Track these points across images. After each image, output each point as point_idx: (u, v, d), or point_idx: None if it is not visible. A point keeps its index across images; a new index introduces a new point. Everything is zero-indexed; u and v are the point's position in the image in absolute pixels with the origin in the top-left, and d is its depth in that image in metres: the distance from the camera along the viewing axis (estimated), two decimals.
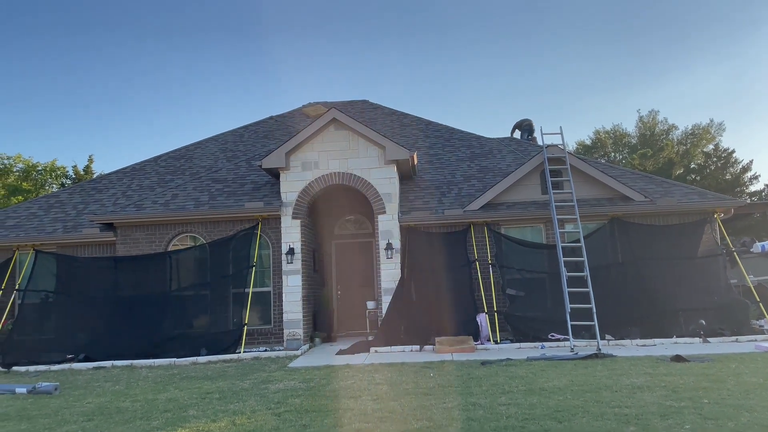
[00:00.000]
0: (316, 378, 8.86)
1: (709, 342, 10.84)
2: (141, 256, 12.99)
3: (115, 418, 6.86)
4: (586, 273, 11.66)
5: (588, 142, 44.03)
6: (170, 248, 13.30)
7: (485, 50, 71.71)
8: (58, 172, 35.32)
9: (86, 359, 11.70)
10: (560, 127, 13.68)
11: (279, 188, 13.32)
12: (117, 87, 66.80)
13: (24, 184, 33.56)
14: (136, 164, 16.67)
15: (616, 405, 6.27)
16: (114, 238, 13.34)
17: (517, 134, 18.77)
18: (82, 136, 63.44)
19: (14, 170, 34.90)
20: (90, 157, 43.88)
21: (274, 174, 13.64)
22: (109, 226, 13.45)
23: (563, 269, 11.70)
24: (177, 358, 11.47)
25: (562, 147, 13.49)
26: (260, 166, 13.32)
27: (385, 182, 13.19)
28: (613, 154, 43.57)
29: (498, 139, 17.72)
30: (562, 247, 12.27)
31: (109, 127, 66.32)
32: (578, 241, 12.25)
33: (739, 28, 61.62)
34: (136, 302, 12.54)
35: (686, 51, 64.33)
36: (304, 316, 12.78)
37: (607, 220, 13.09)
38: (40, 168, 35.51)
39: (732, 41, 61.79)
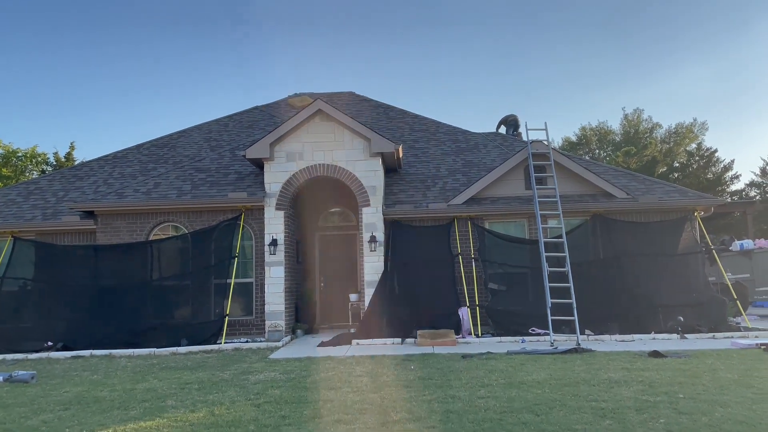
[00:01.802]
0: (296, 369, 8.84)
1: (686, 338, 10.99)
2: (122, 245, 12.86)
3: (93, 407, 6.80)
4: (567, 268, 11.76)
5: (574, 138, 44.32)
6: (151, 237, 13.18)
7: (474, 45, 71.80)
8: (39, 159, 34.78)
9: (64, 348, 11.57)
10: (545, 123, 13.76)
11: (263, 179, 13.24)
12: (100, 74, 65.93)
13: (3, 170, 33.00)
14: (118, 152, 16.46)
15: (593, 399, 6.34)
16: (94, 226, 13.18)
17: (503, 130, 18.81)
18: (64, 122, 62.60)
19: None
20: (71, 144, 43.42)
21: (258, 164, 13.55)
22: (89, 214, 13.28)
23: (545, 264, 11.79)
24: (157, 348, 11.38)
25: (546, 143, 13.57)
26: (244, 156, 13.23)
27: (370, 175, 13.16)
28: (597, 151, 43.90)
29: (484, 133, 17.76)
30: (545, 243, 12.35)
31: (92, 114, 65.50)
32: (561, 236, 12.34)
33: (726, 29, 62.32)
34: (116, 291, 12.42)
35: (672, 51, 64.94)
36: (286, 308, 12.75)
37: (590, 216, 13.21)
38: (20, 154, 34.93)
39: (718, 42, 62.49)
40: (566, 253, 11.97)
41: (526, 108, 67.95)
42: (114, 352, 11.30)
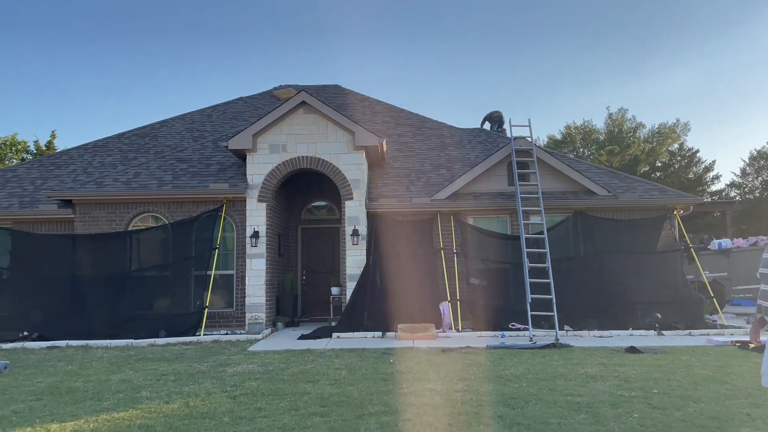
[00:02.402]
0: (275, 362, 8.80)
1: (663, 335, 11.11)
2: (100, 235, 12.68)
3: (65, 397, 6.70)
4: (548, 264, 11.82)
5: (559, 136, 44.57)
6: (131, 228, 13.01)
7: (461, 42, 71.86)
8: (19, 147, 34.27)
9: (40, 338, 11.40)
10: (528, 120, 13.82)
11: (245, 170, 13.13)
12: (84, 63, 64.97)
13: None
14: (99, 141, 16.22)
15: (569, 393, 6.38)
16: (72, 216, 12.99)
17: (488, 126, 18.85)
18: (46, 111, 61.62)
19: None
20: (53, 132, 42.69)
21: (241, 156, 13.44)
22: (67, 203, 13.08)
23: (526, 260, 11.84)
24: (135, 339, 11.25)
25: (529, 139, 13.61)
26: (226, 146, 13.10)
27: (354, 168, 13.11)
28: (582, 149, 44.20)
29: (468, 129, 17.78)
30: (526, 239, 12.41)
31: (75, 104, 64.56)
32: (542, 233, 12.39)
33: (710, 32, 62.98)
34: (94, 282, 12.26)
35: (655, 51, 65.50)
36: (267, 300, 12.68)
37: (571, 213, 13.28)
38: None
39: (701, 44, 63.17)
40: (547, 250, 12.04)
41: (512, 106, 68.30)
42: (91, 342, 11.15)
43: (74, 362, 9.27)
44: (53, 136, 34.21)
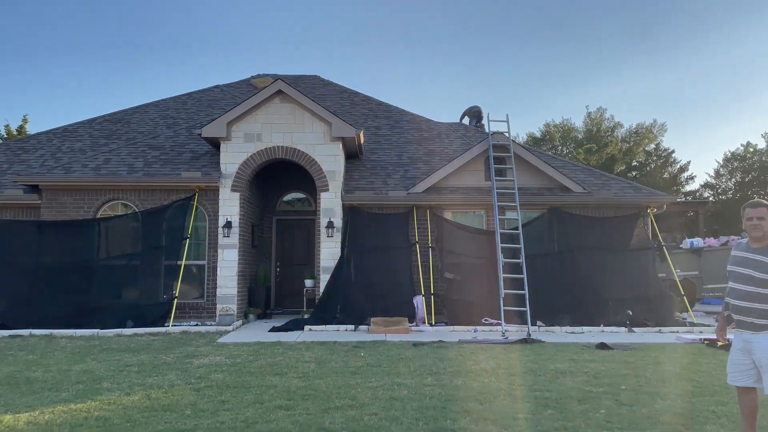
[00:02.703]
0: (243, 354, 8.64)
1: (634, 332, 11.18)
2: (67, 222, 12.34)
3: (23, 388, 6.48)
4: (522, 260, 11.82)
5: (538, 134, 44.82)
6: (100, 215, 12.69)
7: (444, 37, 71.78)
8: None
9: (2, 327, 11.06)
10: (506, 116, 13.78)
11: (219, 159, 12.89)
12: (58, 47, 63.51)
13: None
14: (69, 125, 15.78)
15: (538, 389, 6.35)
16: (39, 202, 12.62)
17: (467, 121, 18.80)
18: (18, 95, 60.11)
19: None
20: (24, 117, 41.59)
21: (215, 144, 13.19)
22: (34, 189, 12.70)
23: (500, 255, 11.82)
24: (101, 329, 10.99)
25: (507, 135, 13.58)
26: (200, 134, 12.83)
27: (330, 159, 12.95)
28: (560, 147, 44.51)
29: (447, 123, 17.71)
30: (502, 234, 12.39)
31: (49, 88, 63.11)
32: (518, 228, 12.39)
33: (689, 34, 63.81)
34: (61, 269, 11.92)
35: (635, 54, 66.18)
36: (238, 292, 12.48)
37: (547, 209, 13.30)
38: None
39: (680, 47, 63.99)
40: (521, 245, 12.04)
41: (493, 103, 68.47)
42: (55, 332, 10.86)
43: (36, 352, 9.01)
44: (25, 120, 33.32)
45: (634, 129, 41.90)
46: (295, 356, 8.48)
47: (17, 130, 32.30)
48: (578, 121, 44.66)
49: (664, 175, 38.19)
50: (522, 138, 45.18)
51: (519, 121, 68.33)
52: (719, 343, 4.76)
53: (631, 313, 11.89)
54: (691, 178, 38.64)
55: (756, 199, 4.46)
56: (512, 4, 68.64)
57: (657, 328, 11.32)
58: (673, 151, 39.07)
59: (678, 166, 38.65)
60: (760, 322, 4.19)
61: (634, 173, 38.73)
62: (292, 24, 73.68)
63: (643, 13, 64.76)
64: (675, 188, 37.35)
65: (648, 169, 38.92)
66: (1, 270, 11.92)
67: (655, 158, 39.50)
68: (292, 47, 72.99)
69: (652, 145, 40.71)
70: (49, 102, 62.91)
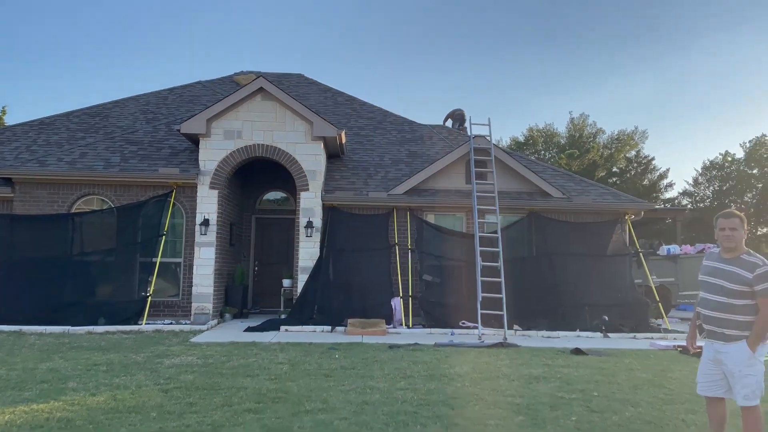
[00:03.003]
0: (216, 354, 8.52)
1: (609, 337, 11.24)
2: (41, 216, 12.09)
3: None
4: (500, 264, 11.83)
5: (521, 138, 45.03)
6: (74, 210, 12.45)
7: (431, 42, 71.86)
8: None
9: None
10: (488, 119, 13.78)
11: (198, 156, 12.71)
12: (38, 38, 62.47)
13: None
14: (46, 118, 15.46)
15: (511, 394, 6.33)
16: (12, 195, 12.35)
17: (450, 124, 18.79)
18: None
19: None
20: (3, 108, 40.76)
21: (194, 140, 13.01)
22: (7, 182, 12.42)
23: (479, 258, 11.82)
24: (72, 326, 10.78)
25: (488, 138, 13.58)
26: (179, 130, 12.65)
27: (311, 159, 12.84)
28: (543, 152, 44.77)
29: (430, 126, 17.68)
30: (481, 237, 12.39)
31: (29, 81, 62.02)
32: (497, 231, 12.39)
33: (671, 43, 64.62)
34: (32, 264, 11.68)
35: (620, 60, 66.87)
36: (215, 290, 12.32)
37: (526, 213, 13.32)
38: None
39: (662, 55, 64.77)
40: (500, 249, 12.04)
41: (477, 106, 68.75)
42: (24, 328, 10.63)
43: (2, 349, 8.81)
44: (3, 111, 32.65)
45: (615, 135, 42.29)
46: (268, 357, 8.38)
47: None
48: (561, 127, 44.98)
49: (644, 182, 38.58)
50: (506, 142, 45.38)
51: (503, 125, 68.82)
52: (692, 351, 4.76)
53: (606, 318, 11.96)
54: (670, 185, 39.12)
55: (729, 210, 4.47)
56: (497, 10, 69.01)
57: (632, 334, 11.39)
58: (652, 159, 39.50)
59: (657, 174, 39.08)
60: (731, 332, 4.20)
61: (614, 179, 39.08)
62: (278, 23, 73.30)
63: (626, 21, 65.51)
64: (654, 195, 37.74)
65: (628, 175, 39.30)
66: None
67: (635, 165, 39.90)
68: (278, 46, 72.62)
69: (633, 152, 41.11)
70: (29, 95, 61.85)
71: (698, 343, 4.63)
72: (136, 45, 68.85)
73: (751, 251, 4.28)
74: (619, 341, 10.86)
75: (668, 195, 39.23)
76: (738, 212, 4.36)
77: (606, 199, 13.58)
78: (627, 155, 40.99)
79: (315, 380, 6.91)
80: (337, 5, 71.00)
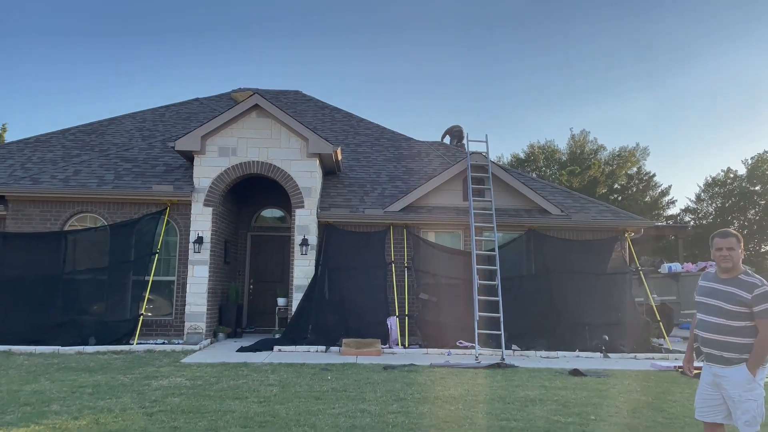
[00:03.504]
0: (206, 376, 8.33)
1: (609, 357, 11.01)
2: (33, 234, 11.96)
3: None
4: (497, 282, 11.65)
5: (522, 155, 45.02)
6: (67, 227, 12.34)
7: (433, 54, 72.27)
8: None
9: None
10: (485, 136, 13.69)
11: (193, 173, 12.62)
12: (40, 56, 62.95)
13: None
14: (42, 135, 15.40)
15: (505, 417, 6.13)
16: (5, 213, 12.24)
17: (448, 140, 18.73)
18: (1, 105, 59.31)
19: None
20: (3, 125, 40.93)
21: (189, 158, 12.91)
22: (1, 199, 12.33)
23: (476, 277, 11.64)
24: (63, 346, 10.60)
25: (485, 155, 13.47)
26: (173, 147, 12.56)
27: (306, 176, 12.74)
28: (544, 168, 44.74)
29: (427, 142, 17.61)
30: (478, 255, 12.23)
31: (29, 98, 62.39)
32: (494, 249, 12.23)
33: (673, 60, 64.89)
34: (24, 283, 11.53)
35: (621, 77, 67.12)
36: (208, 310, 12.14)
37: (525, 230, 13.17)
38: None
39: (664, 72, 64.99)
40: (497, 267, 11.87)
41: (478, 123, 68.87)
42: (14, 348, 10.47)
43: None
44: (4, 129, 32.82)
45: (617, 152, 42.26)
46: (259, 379, 8.19)
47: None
48: (562, 143, 44.99)
49: (646, 199, 38.42)
50: (506, 159, 45.36)
51: (504, 142, 68.94)
52: (690, 375, 4.59)
53: (607, 338, 11.72)
54: (672, 202, 38.95)
55: (725, 229, 4.32)
56: (496, 27, 69.49)
57: (632, 354, 11.16)
58: (654, 175, 39.38)
59: (659, 190, 38.93)
60: (730, 355, 4.04)
61: (616, 196, 38.95)
62: (277, 40, 73.84)
63: (627, 39, 65.86)
64: (656, 212, 37.57)
65: (630, 192, 39.16)
66: None
67: (636, 182, 39.77)
68: (278, 64, 73.06)
69: (634, 169, 41.03)
70: (29, 112, 62.15)
71: (697, 364, 4.46)
72: (138, 63, 69.39)
73: (749, 271, 4.14)
74: (620, 362, 10.63)
75: (670, 212, 39.08)
76: (734, 231, 4.22)
77: (605, 217, 13.42)
78: (628, 172, 40.89)
79: (305, 403, 6.72)
80: (334, 21, 71.61)
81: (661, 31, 64.10)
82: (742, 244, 4.18)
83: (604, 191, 38.33)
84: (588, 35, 66.69)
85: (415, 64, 72.93)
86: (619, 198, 38.69)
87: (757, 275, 4.09)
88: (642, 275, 13.04)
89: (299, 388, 7.56)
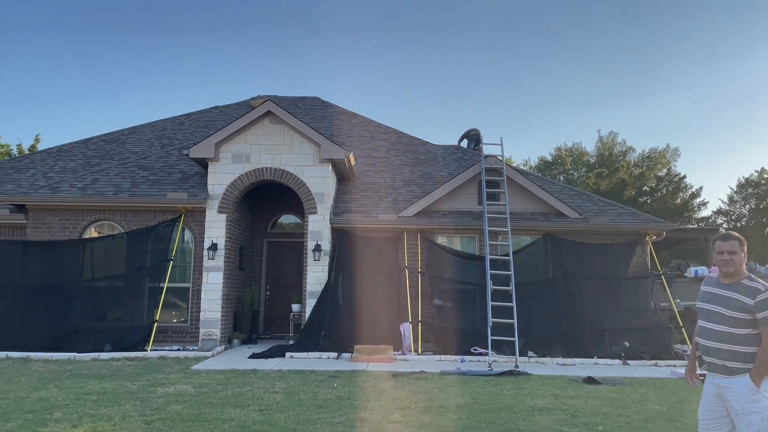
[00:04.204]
0: (212, 383, 8.31)
1: (628, 364, 10.66)
2: (51, 242, 12.16)
3: None
4: (512, 287, 11.41)
5: (549, 158, 44.40)
6: (85, 235, 12.53)
7: (458, 57, 72.01)
8: (1, 150, 33.75)
9: None
10: (500, 138, 13.48)
11: (207, 180, 12.70)
12: (73, 68, 64.67)
13: None
14: (64, 145, 15.74)
15: (509, 428, 5.95)
16: (25, 221, 12.50)
17: (465, 144, 18.51)
18: (32, 114, 61.06)
19: None
20: (36, 136, 42.07)
21: (204, 165, 13.00)
22: (20, 208, 12.59)
23: (489, 282, 11.43)
24: (79, 352, 10.74)
25: (500, 158, 13.25)
26: (187, 155, 12.66)
27: (319, 181, 12.70)
28: (572, 171, 44.04)
29: (444, 146, 17.42)
30: (494, 260, 12.01)
31: (62, 108, 64.11)
32: (508, 254, 11.99)
33: (705, 60, 63.35)
34: (43, 291, 11.71)
35: (652, 78, 65.81)
36: (222, 316, 12.17)
37: (541, 234, 12.89)
38: None
39: (696, 72, 63.48)
40: (512, 272, 11.63)
41: (503, 126, 68.15)
42: (32, 355, 10.64)
43: (3, 376, 8.78)
44: (37, 140, 33.68)
45: (646, 154, 41.33)
46: (265, 386, 8.14)
47: (29, 149, 32.65)
48: (590, 145, 44.25)
49: (676, 201, 37.40)
50: (534, 161, 44.81)
51: (530, 144, 68.16)
52: (693, 385, 4.36)
53: (627, 344, 11.38)
54: (704, 204, 37.79)
55: (727, 232, 4.08)
56: (523, 30, 68.86)
57: (653, 362, 10.78)
58: (684, 177, 38.28)
59: (690, 192, 37.85)
60: (733, 365, 3.81)
61: (644, 198, 38.04)
62: (299, 41, 74.46)
63: (656, 37, 64.56)
64: (687, 214, 36.55)
65: (659, 194, 38.19)
66: None
67: (666, 183, 38.77)
68: (302, 70, 73.65)
69: (664, 171, 40.04)
70: (61, 122, 63.82)
71: (702, 372, 4.23)
72: (166, 71, 70.76)
73: (753, 276, 3.89)
74: (639, 369, 10.29)
75: (702, 214, 37.96)
76: (737, 234, 3.98)
77: (625, 219, 13.04)
78: (658, 174, 39.91)
79: (306, 411, 6.64)
80: (361, 25, 71.89)
81: (694, 30, 62.69)
82: (746, 247, 3.94)
83: (632, 193, 37.45)
84: (617, 33, 65.60)
85: (440, 66, 72.74)
86: (648, 200, 37.77)
87: (760, 280, 3.85)
88: (664, 279, 12.62)
89: (303, 396, 7.49)
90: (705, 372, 4.13)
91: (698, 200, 37.84)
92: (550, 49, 68.30)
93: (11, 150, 33.51)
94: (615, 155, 42.16)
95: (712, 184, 60.35)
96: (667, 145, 41.90)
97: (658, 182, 39.25)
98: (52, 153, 15.38)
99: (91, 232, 12.65)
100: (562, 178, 43.12)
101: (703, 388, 4.15)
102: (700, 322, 4.07)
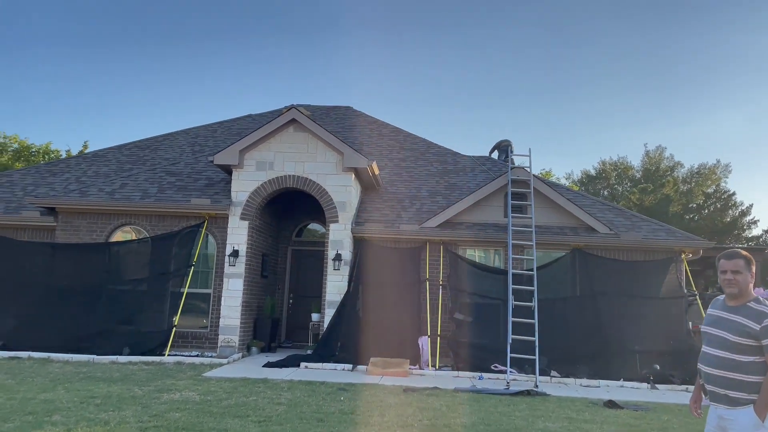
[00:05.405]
0: (219, 391, 8.23)
1: (657, 389, 10.10)
2: (79, 245, 12.42)
3: None
4: (534, 304, 11.00)
5: (593, 172, 43.32)
6: (112, 239, 12.75)
7: (498, 70, 71.35)
8: (52, 155, 35.11)
9: (4, 348, 11.12)
10: (529, 150, 13.10)
11: (231, 186, 12.76)
12: (124, 75, 66.94)
13: (17, 164, 33.28)
14: (99, 151, 16.17)
15: None
16: (55, 224, 12.81)
17: (496, 155, 18.14)
18: (82, 120, 63.35)
19: (9, 150, 34.85)
20: (85, 143, 43.66)
21: (228, 171, 13.08)
22: (51, 211, 12.92)
23: (511, 297, 11.04)
24: (98, 355, 10.87)
25: (527, 169, 12.87)
26: (212, 161, 12.77)
27: (341, 190, 12.59)
28: (615, 186, 42.82)
29: (474, 157, 17.11)
30: (519, 275, 11.63)
31: (110, 115, 66.31)
32: (532, 269, 11.57)
33: (761, 75, 60.88)
34: (68, 293, 11.93)
35: (704, 97, 63.61)
36: (242, 323, 12.15)
37: (569, 249, 12.41)
38: (33, 150, 35.43)
39: (752, 87, 61.03)
40: (535, 287, 11.21)
41: (548, 138, 66.98)
42: (53, 356, 10.82)
43: (19, 376, 8.91)
44: (85, 146, 34.92)
45: (695, 169, 39.84)
46: (270, 396, 8.00)
47: (77, 155, 33.85)
48: (636, 160, 42.95)
49: (725, 219, 35.79)
50: (577, 175, 43.79)
51: (575, 158, 66.70)
52: (696, 417, 4.00)
53: (658, 367, 10.79)
54: (754, 222, 36.03)
55: (732, 249, 3.72)
56: (576, 43, 67.70)
57: (684, 386, 10.18)
58: (733, 193, 36.64)
59: (739, 210, 36.17)
60: (735, 395, 3.46)
61: (691, 215, 36.59)
62: (330, 50, 75.12)
63: (713, 52, 62.42)
64: (736, 233, 34.93)
65: (707, 211, 36.65)
66: (14, 290, 12.06)
67: (714, 200, 37.19)
68: (335, 80, 74.22)
69: (713, 187, 38.47)
70: (111, 130, 66.04)
71: (703, 404, 3.87)
72: (208, 78, 72.49)
73: (761, 298, 3.52)
74: (667, 394, 9.72)
75: (754, 233, 36.18)
76: (744, 252, 3.61)
77: (659, 236, 12.43)
78: (706, 191, 38.37)
79: (304, 425, 6.46)
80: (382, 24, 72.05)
81: (752, 46, 60.36)
82: (753, 267, 3.58)
83: (678, 210, 36.07)
84: (674, 50, 63.74)
85: (486, 74, 72.18)
86: (695, 217, 36.31)
87: None
88: (699, 301, 11.95)
89: (306, 408, 7.31)
90: (707, 402, 3.77)
91: (748, 218, 36.15)
92: (599, 57, 66.94)
93: (61, 155, 34.83)
94: (662, 170, 40.78)
95: (764, 203, 57.67)
96: (718, 161, 40.29)
97: (706, 199, 37.72)
98: (87, 158, 15.80)
99: (118, 236, 12.86)
100: (605, 192, 41.95)
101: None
102: (703, 347, 3.73)
